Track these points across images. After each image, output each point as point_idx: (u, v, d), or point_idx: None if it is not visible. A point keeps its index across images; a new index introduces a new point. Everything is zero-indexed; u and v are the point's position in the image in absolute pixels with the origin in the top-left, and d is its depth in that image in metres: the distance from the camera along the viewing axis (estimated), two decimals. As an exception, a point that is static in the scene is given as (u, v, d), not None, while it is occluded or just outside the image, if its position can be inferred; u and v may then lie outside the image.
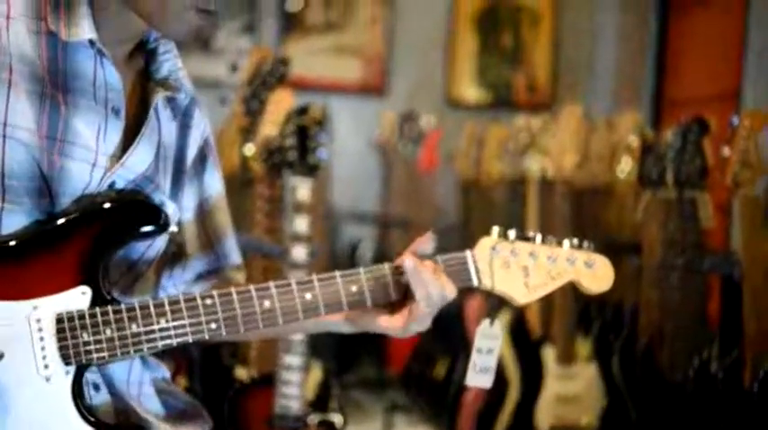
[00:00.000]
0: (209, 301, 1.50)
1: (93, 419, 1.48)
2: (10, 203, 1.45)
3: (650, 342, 3.35)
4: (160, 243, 1.60)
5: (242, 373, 2.91)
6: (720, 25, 5.87)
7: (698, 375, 2.87)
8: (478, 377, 1.65)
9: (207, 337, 1.50)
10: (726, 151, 2.93)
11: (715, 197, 3.32)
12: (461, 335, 4.02)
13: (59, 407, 1.46)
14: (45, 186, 1.46)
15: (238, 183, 3.23)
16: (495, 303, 3.39)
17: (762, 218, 2.91)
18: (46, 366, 1.45)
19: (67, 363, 1.45)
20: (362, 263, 5.70)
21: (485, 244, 1.57)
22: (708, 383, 2.85)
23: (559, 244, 1.59)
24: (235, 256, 1.75)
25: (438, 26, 6.45)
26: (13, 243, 1.45)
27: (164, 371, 1.69)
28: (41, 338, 1.44)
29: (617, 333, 3.65)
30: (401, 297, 1.55)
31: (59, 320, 1.45)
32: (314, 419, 2.76)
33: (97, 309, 1.46)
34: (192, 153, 1.67)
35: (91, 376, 1.53)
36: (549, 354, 3.68)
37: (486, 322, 1.65)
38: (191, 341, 1.50)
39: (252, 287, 1.51)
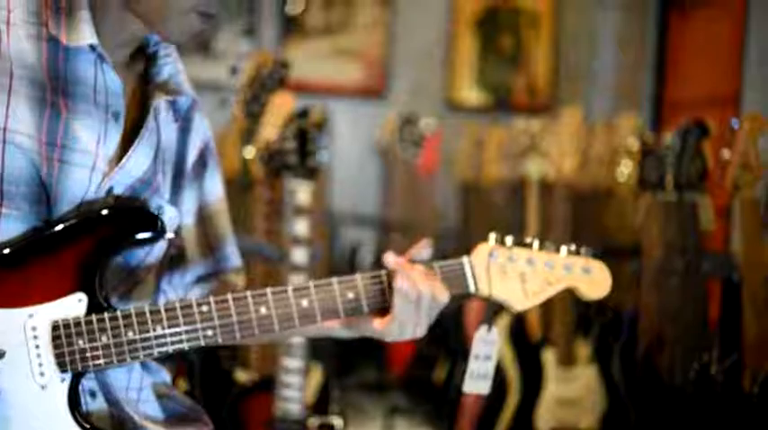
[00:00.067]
0: (205, 308, 1.50)
1: (88, 426, 1.48)
2: (7, 209, 1.45)
3: (650, 345, 3.35)
4: (159, 248, 1.60)
5: (242, 377, 2.91)
6: (720, 28, 5.87)
7: (698, 378, 2.87)
8: (476, 383, 1.65)
9: (203, 344, 1.50)
10: (726, 154, 2.93)
11: (715, 200, 3.32)
12: (461, 339, 4.01)
13: (55, 415, 1.46)
14: (43, 192, 1.46)
15: (239, 186, 3.23)
16: (496, 306, 3.39)
17: (761, 221, 2.91)
18: (42, 373, 1.45)
19: (63, 371, 1.46)
20: (362, 266, 5.71)
21: (482, 250, 1.57)
22: (708, 386, 2.85)
23: (557, 250, 1.59)
24: (235, 260, 1.75)
25: (438, 29, 6.45)
26: (9, 250, 1.45)
27: (164, 375, 1.69)
28: (37, 346, 1.45)
29: (617, 336, 3.64)
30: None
31: (55, 328, 1.45)
32: (314, 422, 2.76)
33: (93, 316, 1.46)
34: (192, 156, 1.67)
35: (87, 383, 1.52)
36: (549, 357, 3.68)
37: (483, 328, 1.65)
38: (186, 348, 1.50)
39: (248, 293, 1.51)
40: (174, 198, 1.64)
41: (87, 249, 1.47)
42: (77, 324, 1.46)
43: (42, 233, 1.46)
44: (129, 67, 1.58)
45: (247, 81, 3.35)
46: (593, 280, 1.60)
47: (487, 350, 1.64)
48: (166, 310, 1.49)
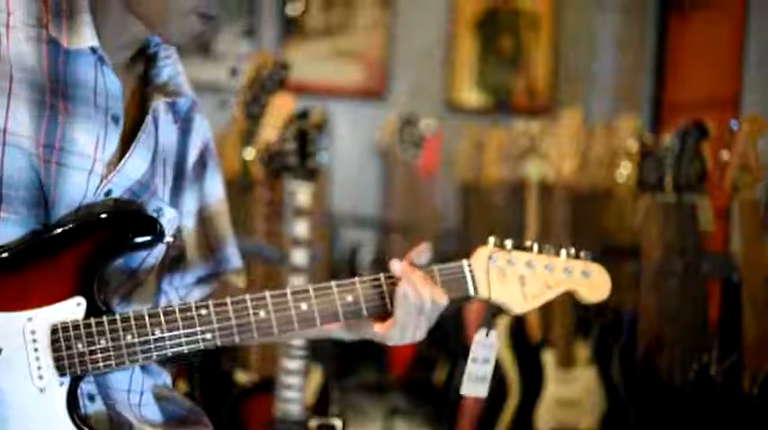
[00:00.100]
0: (204, 311, 1.49)
1: (86, 429, 1.48)
2: (6, 213, 1.45)
3: (649, 346, 3.35)
4: (159, 250, 1.60)
5: (242, 378, 2.91)
6: (720, 30, 5.87)
7: (697, 379, 2.88)
8: (473, 386, 1.65)
9: (202, 347, 1.50)
10: (725, 155, 2.93)
11: (714, 201, 3.33)
12: (461, 340, 4.02)
13: (54, 418, 1.46)
14: (42, 195, 1.47)
15: (239, 188, 3.24)
16: (496, 308, 3.39)
17: (761, 222, 2.92)
18: (40, 377, 1.45)
19: (62, 374, 1.46)
20: (362, 267, 5.71)
21: (481, 253, 1.57)
22: (707, 387, 2.85)
23: (557, 253, 1.59)
24: (235, 261, 1.75)
25: (438, 30, 6.46)
26: (8, 254, 1.45)
27: (165, 377, 1.68)
28: (36, 349, 1.45)
29: (616, 337, 3.65)
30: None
31: (54, 331, 1.45)
32: (314, 423, 2.76)
33: (92, 320, 1.46)
34: (192, 157, 1.67)
35: (86, 386, 1.52)
36: (548, 358, 3.68)
37: (482, 331, 1.65)
38: (186, 351, 1.50)
39: (247, 297, 1.51)
40: (175, 199, 1.64)
41: (86, 253, 1.47)
42: (76, 327, 1.46)
43: (41, 236, 1.47)
44: (129, 68, 1.58)
45: (247, 82, 3.35)
46: (593, 283, 1.60)
47: (486, 353, 1.64)
48: (165, 314, 1.48)
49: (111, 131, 1.52)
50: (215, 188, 1.72)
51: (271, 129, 2.92)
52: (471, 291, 1.58)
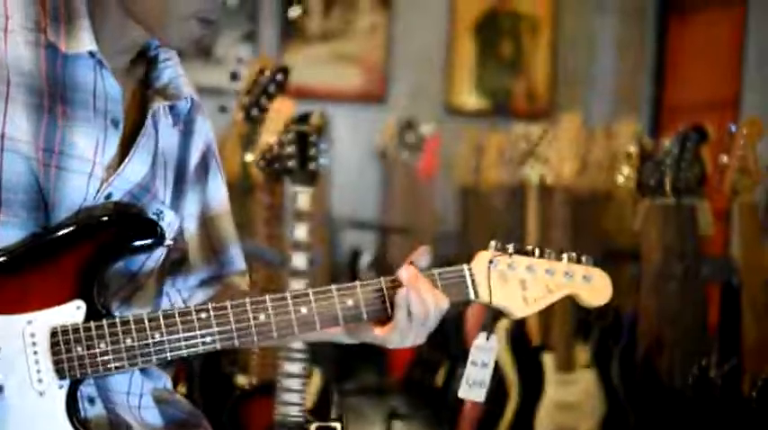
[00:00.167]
0: (203, 315, 1.49)
1: (86, 433, 1.48)
2: (6, 216, 1.45)
3: (649, 349, 3.35)
4: (159, 253, 1.60)
5: (242, 381, 2.91)
6: (719, 33, 5.88)
7: (697, 382, 2.88)
8: (471, 390, 1.65)
9: (201, 351, 1.50)
10: (724, 159, 2.94)
11: (713, 204, 3.33)
12: (462, 343, 4.02)
13: (53, 421, 1.45)
14: (41, 199, 1.47)
15: (239, 191, 3.24)
16: (496, 312, 3.39)
17: (760, 225, 2.92)
18: (40, 380, 1.45)
19: (61, 377, 1.45)
20: (362, 270, 5.71)
21: (482, 257, 1.57)
22: (707, 390, 2.85)
23: (558, 257, 1.59)
24: (239, 263, 1.74)
25: (437, 34, 6.46)
26: (7, 257, 1.45)
27: (165, 380, 1.68)
28: (35, 352, 1.44)
29: (616, 340, 3.65)
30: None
31: (54, 334, 1.45)
32: (314, 426, 2.76)
33: (92, 323, 1.46)
34: (194, 159, 1.66)
35: (86, 389, 1.52)
36: (548, 361, 3.68)
37: (482, 335, 1.65)
38: (185, 355, 1.50)
39: (247, 301, 1.50)
40: (176, 202, 1.63)
41: (86, 256, 1.46)
42: (76, 331, 1.45)
43: (41, 240, 1.46)
44: (129, 72, 1.58)
45: (247, 86, 3.35)
46: (594, 287, 1.60)
47: (485, 357, 1.64)
48: (165, 317, 1.48)
49: (110, 135, 1.52)
50: (218, 190, 1.71)
51: (271, 133, 2.92)
52: (472, 296, 1.57)
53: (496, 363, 1.69)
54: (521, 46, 6.61)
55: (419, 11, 6.41)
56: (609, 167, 4.26)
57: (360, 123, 6.25)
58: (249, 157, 3.24)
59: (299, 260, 2.52)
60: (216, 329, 1.49)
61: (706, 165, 3.21)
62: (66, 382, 1.46)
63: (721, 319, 3.00)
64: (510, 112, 6.38)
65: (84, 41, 1.49)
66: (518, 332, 3.72)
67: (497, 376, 3.65)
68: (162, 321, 1.48)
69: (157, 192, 1.59)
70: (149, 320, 1.48)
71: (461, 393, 1.65)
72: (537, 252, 1.58)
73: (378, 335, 1.56)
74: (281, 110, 3.03)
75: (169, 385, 1.69)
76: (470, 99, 6.57)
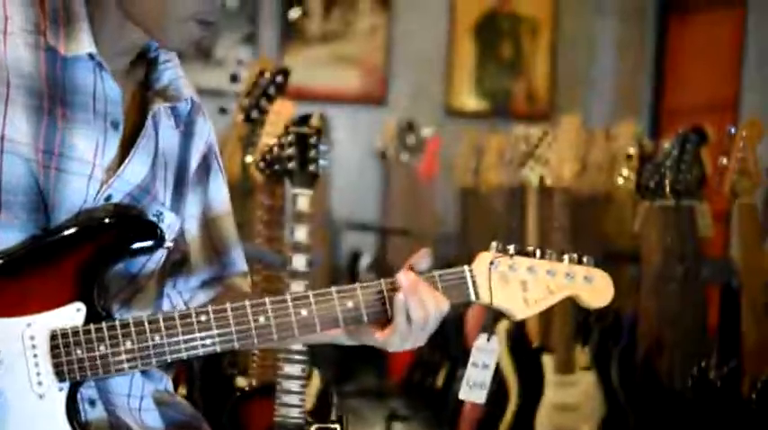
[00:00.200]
0: (203, 318, 1.48)
1: (86, 435, 1.48)
2: (6, 218, 1.45)
3: (649, 350, 3.35)
4: (159, 255, 1.60)
5: (242, 383, 2.91)
6: (719, 35, 5.88)
7: (697, 384, 2.88)
8: (472, 392, 1.64)
9: (201, 354, 1.49)
10: (724, 160, 2.94)
11: (713, 206, 3.33)
12: (462, 345, 4.02)
13: (53, 424, 1.45)
14: (41, 201, 1.46)
15: (239, 193, 3.24)
16: (497, 313, 3.39)
17: (760, 227, 2.92)
18: (39, 383, 1.44)
19: (61, 380, 1.45)
20: (362, 272, 5.71)
21: (483, 259, 1.56)
22: (706, 392, 2.85)
23: (559, 258, 1.58)
24: (241, 264, 1.73)
25: (437, 35, 6.47)
26: (7, 259, 1.45)
27: (166, 382, 1.68)
28: (35, 355, 1.44)
29: (616, 341, 3.65)
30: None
31: (53, 337, 1.44)
32: (314, 428, 2.76)
33: (91, 326, 1.45)
34: (195, 161, 1.66)
35: (86, 391, 1.52)
36: (548, 363, 3.68)
37: (483, 337, 1.65)
38: (185, 358, 1.49)
39: (247, 303, 1.50)
40: (176, 204, 1.63)
41: (86, 258, 1.46)
42: (76, 333, 1.45)
43: (41, 242, 1.46)
44: (129, 73, 1.58)
45: (247, 88, 3.35)
46: (595, 288, 1.59)
47: (486, 359, 1.64)
48: (164, 320, 1.47)
49: (110, 137, 1.52)
50: (219, 191, 1.71)
51: (271, 135, 2.92)
52: (473, 297, 1.56)
53: (497, 365, 1.68)
54: (520, 47, 6.62)
55: (419, 12, 6.42)
56: (609, 169, 4.26)
57: (360, 125, 6.25)
58: (249, 159, 3.24)
59: (298, 262, 2.52)
60: (216, 332, 1.49)
61: (706, 167, 3.22)
62: (66, 385, 1.45)
63: (721, 321, 3.01)
64: (510, 114, 6.39)
65: (84, 43, 1.50)
66: (518, 334, 3.72)
67: (497, 378, 3.65)
68: (162, 323, 1.47)
69: (157, 193, 1.59)
70: (149, 323, 1.47)
71: (462, 394, 1.65)
72: (538, 253, 1.57)
73: (378, 338, 1.56)
74: (281, 111, 3.03)
75: (170, 387, 1.69)
76: (470, 100, 6.58)
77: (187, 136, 1.65)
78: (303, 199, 2.55)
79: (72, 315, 1.46)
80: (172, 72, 1.61)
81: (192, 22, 1.51)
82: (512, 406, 3.71)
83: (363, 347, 1.62)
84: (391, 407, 5.01)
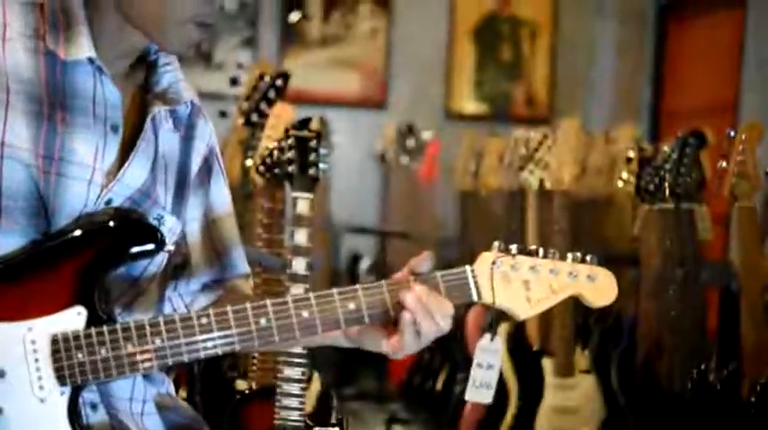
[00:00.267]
0: (204, 320, 1.48)
1: (88, 439, 1.48)
2: (6, 223, 1.45)
3: (649, 353, 3.36)
4: (161, 258, 1.60)
5: (242, 385, 2.91)
6: (718, 38, 5.89)
7: (696, 386, 2.88)
8: (478, 392, 1.64)
9: (202, 356, 1.49)
10: (723, 163, 2.94)
11: (713, 209, 3.34)
12: (462, 347, 4.02)
13: (55, 429, 1.45)
14: (41, 206, 1.47)
15: (239, 196, 3.24)
16: (496, 315, 3.39)
17: (759, 230, 2.93)
18: (41, 387, 1.44)
19: (63, 384, 1.45)
20: (362, 275, 5.72)
21: (485, 259, 1.55)
22: (706, 394, 2.86)
23: (562, 258, 1.58)
24: (242, 266, 1.74)
25: (437, 39, 6.47)
26: (7, 264, 1.45)
27: (168, 385, 1.68)
28: (36, 359, 1.44)
29: (616, 344, 3.65)
30: (399, 315, 1.52)
31: (54, 341, 1.44)
32: (314, 431, 2.76)
33: (92, 330, 1.45)
34: (195, 164, 1.66)
35: (88, 395, 1.52)
36: (548, 366, 3.68)
37: (486, 337, 1.64)
38: (186, 361, 1.49)
39: (248, 305, 1.49)
40: (177, 207, 1.63)
41: (86, 262, 1.46)
42: (76, 337, 1.45)
43: (41, 246, 1.46)
44: (129, 77, 1.59)
45: (247, 91, 3.36)
46: (599, 287, 1.57)
47: (491, 359, 1.63)
48: (166, 323, 1.47)
49: (110, 141, 1.52)
50: (220, 193, 1.71)
51: (271, 138, 2.92)
52: (475, 297, 1.55)
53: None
54: (520, 51, 6.62)
55: (418, 15, 6.42)
56: (608, 172, 4.27)
57: (360, 128, 6.25)
58: (249, 162, 3.24)
59: (298, 265, 2.53)
60: (217, 334, 1.48)
61: (705, 170, 3.22)
62: (68, 389, 1.45)
63: (720, 324, 3.01)
64: (509, 117, 6.39)
65: (83, 48, 1.50)
66: (518, 336, 3.72)
67: (497, 381, 3.65)
68: (163, 327, 1.47)
69: (158, 197, 1.59)
70: (150, 326, 1.47)
71: (468, 395, 1.64)
72: (541, 252, 1.56)
73: (385, 349, 1.55)
74: (281, 115, 3.03)
75: (171, 390, 1.69)
76: (470, 104, 6.58)
77: (187, 139, 1.65)
78: (303, 202, 2.56)
79: (73, 319, 1.45)
80: (171, 75, 1.62)
81: (191, 25, 1.51)
82: (512, 408, 3.71)
83: (363, 350, 1.61)
84: (391, 410, 5.01)
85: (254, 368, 2.83)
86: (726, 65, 5.67)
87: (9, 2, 1.51)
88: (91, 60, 1.51)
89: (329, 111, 5.65)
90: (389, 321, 1.54)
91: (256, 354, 2.82)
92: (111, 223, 1.48)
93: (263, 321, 1.49)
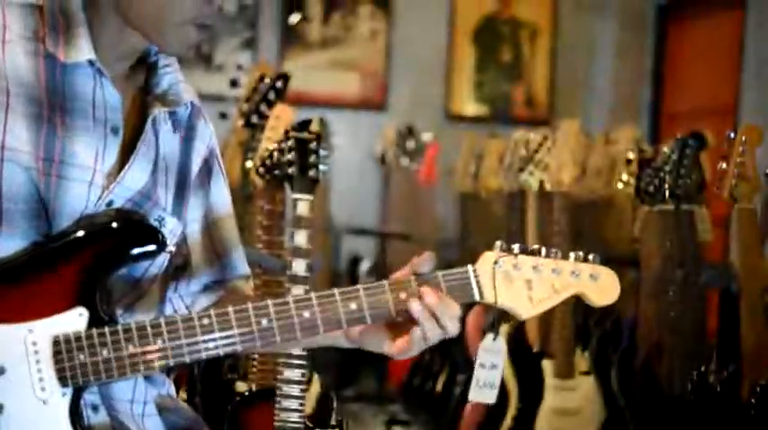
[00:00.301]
0: (206, 321, 1.48)
1: (90, 441, 1.48)
2: (7, 226, 1.45)
3: (649, 355, 3.36)
4: (162, 259, 1.60)
5: (242, 388, 2.91)
6: (718, 39, 5.89)
7: (696, 388, 2.88)
8: (481, 393, 1.63)
9: (204, 357, 1.49)
10: (723, 165, 2.94)
11: (713, 211, 3.34)
12: (462, 349, 4.02)
13: (57, 429, 1.45)
14: (42, 208, 1.47)
15: (239, 198, 3.24)
16: (498, 315, 3.39)
17: (759, 231, 2.93)
18: (42, 389, 1.44)
19: (64, 385, 1.45)
20: (362, 276, 5.72)
21: (487, 258, 1.55)
22: (706, 396, 2.86)
23: (565, 257, 1.57)
24: (242, 267, 1.74)
25: (437, 40, 6.48)
26: (9, 265, 1.45)
27: (169, 387, 1.68)
28: (38, 361, 1.44)
29: (616, 346, 3.65)
30: (401, 314, 1.52)
31: (56, 342, 1.44)
32: (314, 433, 2.76)
33: (94, 331, 1.45)
34: (196, 165, 1.66)
35: (89, 397, 1.52)
36: (548, 367, 3.68)
37: (489, 337, 1.64)
38: (188, 361, 1.49)
39: (249, 305, 1.49)
40: (178, 208, 1.63)
41: (88, 263, 1.46)
42: (78, 338, 1.45)
43: (42, 248, 1.46)
44: (129, 78, 1.59)
45: (247, 93, 3.36)
46: (601, 286, 1.56)
47: (494, 359, 1.63)
48: (167, 324, 1.47)
49: (110, 143, 1.52)
50: (221, 194, 1.71)
51: (271, 140, 2.92)
52: (477, 297, 1.54)
53: (496, 368, 1.67)
54: (520, 52, 6.63)
55: (419, 17, 6.43)
56: (608, 174, 4.27)
57: (360, 130, 6.26)
58: (249, 164, 3.24)
59: (298, 266, 2.53)
60: (218, 335, 1.48)
61: (705, 172, 3.22)
62: (69, 390, 1.45)
63: (720, 325, 3.01)
64: (509, 119, 6.40)
65: (83, 50, 1.50)
66: (518, 338, 3.72)
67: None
68: (164, 327, 1.47)
69: (159, 198, 1.59)
70: (152, 327, 1.47)
71: (472, 396, 1.63)
72: (543, 251, 1.56)
73: (387, 350, 1.55)
74: (281, 116, 3.03)
75: (172, 391, 1.69)
76: (470, 105, 6.58)
77: (188, 140, 1.65)
78: (303, 204, 2.56)
79: (74, 320, 1.45)
80: (171, 77, 1.62)
81: (190, 26, 1.51)
82: (512, 410, 3.71)
83: (363, 352, 1.61)
84: (391, 412, 5.01)
85: (254, 370, 2.83)
86: (726, 66, 5.68)
87: (8, 4, 1.51)
88: (91, 63, 1.51)
89: (329, 112, 5.65)
90: (391, 321, 1.54)
91: (256, 356, 2.82)
92: (113, 224, 1.48)
93: (264, 321, 1.49)
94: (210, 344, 1.48)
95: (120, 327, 1.47)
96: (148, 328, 1.47)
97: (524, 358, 3.70)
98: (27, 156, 1.45)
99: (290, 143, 2.60)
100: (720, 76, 5.74)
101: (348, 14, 6.37)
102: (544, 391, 3.67)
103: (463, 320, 4.12)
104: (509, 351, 3.70)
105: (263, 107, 3.27)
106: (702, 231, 3.24)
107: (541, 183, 3.87)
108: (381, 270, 5.60)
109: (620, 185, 3.94)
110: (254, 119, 3.28)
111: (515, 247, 1.55)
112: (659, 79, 6.46)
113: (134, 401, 1.59)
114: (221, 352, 1.49)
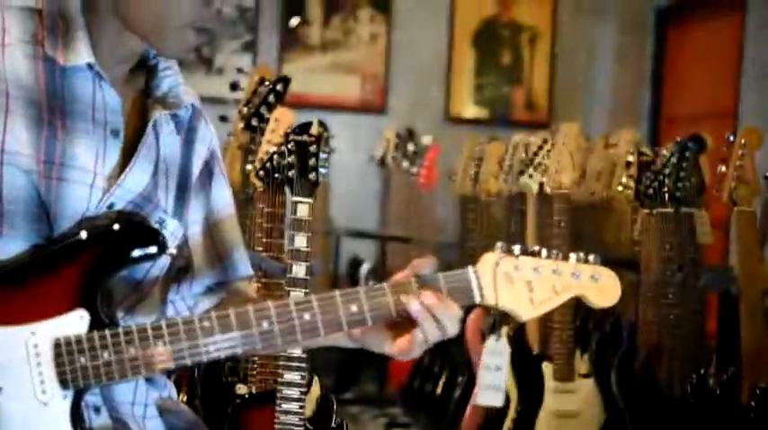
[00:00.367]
0: (206, 323, 1.47)
1: (91, 443, 1.48)
2: (8, 229, 1.46)
3: (648, 357, 3.36)
4: (163, 262, 1.60)
5: (242, 390, 2.91)
6: (718, 42, 5.89)
7: (696, 390, 2.88)
8: (488, 395, 1.63)
9: (205, 360, 1.49)
10: (722, 168, 2.95)
11: (712, 213, 3.34)
12: (461, 351, 4.02)
13: None
14: (43, 211, 1.47)
15: (239, 201, 3.24)
16: (499, 316, 3.39)
17: (758, 234, 2.93)
18: (43, 391, 1.44)
19: (65, 388, 1.45)
20: (362, 279, 5.72)
21: (488, 259, 1.54)
22: (705, 399, 2.86)
23: (565, 258, 1.57)
24: (244, 268, 1.74)
25: (437, 43, 6.48)
26: (10, 268, 1.45)
27: (170, 389, 1.68)
28: (39, 363, 1.44)
29: (615, 348, 3.65)
30: (402, 315, 1.52)
31: (57, 345, 1.44)
32: (314, 435, 2.76)
33: (95, 333, 1.45)
34: (197, 167, 1.67)
35: (91, 399, 1.52)
36: (547, 370, 3.68)
37: (492, 338, 1.64)
38: (189, 364, 1.49)
39: (250, 308, 1.49)
40: (179, 210, 1.63)
41: (88, 265, 1.46)
42: (79, 341, 1.45)
43: (43, 250, 1.46)
44: (129, 81, 1.59)
45: (247, 96, 3.36)
46: (602, 287, 1.56)
47: (498, 361, 1.63)
48: (168, 326, 1.47)
49: (110, 145, 1.52)
50: (222, 195, 1.71)
51: (271, 143, 2.92)
52: (477, 298, 1.54)
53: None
54: (520, 55, 6.63)
55: (418, 20, 6.43)
56: (608, 176, 4.27)
57: (360, 133, 6.26)
58: (249, 167, 3.24)
59: (298, 269, 2.53)
60: (219, 337, 1.48)
61: (704, 175, 3.23)
62: (70, 393, 1.45)
63: (720, 328, 3.02)
64: (509, 121, 6.40)
65: (82, 54, 1.50)
66: (518, 341, 3.72)
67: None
68: (165, 330, 1.47)
69: (160, 201, 1.59)
70: (153, 329, 1.47)
71: (478, 399, 1.63)
72: (543, 253, 1.55)
73: (388, 350, 1.55)
74: (281, 119, 3.03)
75: (173, 394, 1.69)
76: (470, 108, 6.59)
77: (188, 142, 1.65)
78: (303, 207, 2.56)
79: (75, 322, 1.45)
80: (172, 79, 1.62)
81: (190, 30, 1.52)
82: (511, 413, 3.71)
83: (363, 354, 1.61)
84: (391, 415, 5.02)
85: (255, 372, 2.84)
86: (725, 69, 5.68)
87: (7, 7, 1.51)
88: (90, 66, 1.51)
89: (329, 115, 5.64)
90: (392, 322, 1.54)
91: (256, 359, 2.82)
92: (114, 226, 1.48)
93: (265, 324, 1.49)
94: (211, 347, 1.48)
95: (120, 330, 1.46)
96: (149, 331, 1.47)
97: (524, 361, 3.70)
98: (27, 158, 1.46)
99: (289, 146, 2.60)
100: (720, 80, 5.75)
101: (348, 18, 6.37)
102: (544, 394, 3.67)
103: (463, 322, 4.13)
104: (509, 353, 3.70)
105: (263, 110, 3.27)
106: (702, 234, 3.25)
107: (541, 185, 3.87)
108: (381, 272, 5.60)
109: (619, 188, 3.94)
110: (255, 122, 3.28)
111: (516, 249, 1.55)
112: (659, 82, 6.47)
113: (135, 403, 1.59)
114: (222, 354, 1.49)
